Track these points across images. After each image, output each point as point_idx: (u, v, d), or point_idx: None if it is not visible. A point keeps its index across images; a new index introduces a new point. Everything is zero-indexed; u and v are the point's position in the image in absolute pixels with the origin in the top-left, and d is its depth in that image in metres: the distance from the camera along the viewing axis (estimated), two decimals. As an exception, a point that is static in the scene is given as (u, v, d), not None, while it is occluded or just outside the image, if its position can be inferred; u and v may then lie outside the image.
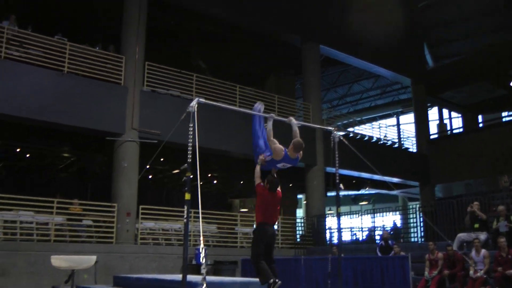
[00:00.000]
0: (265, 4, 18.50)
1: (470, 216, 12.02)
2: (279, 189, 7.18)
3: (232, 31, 19.84)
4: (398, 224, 19.41)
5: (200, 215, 6.15)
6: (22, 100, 12.43)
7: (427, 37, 27.18)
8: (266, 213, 6.97)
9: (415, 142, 24.64)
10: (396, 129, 31.78)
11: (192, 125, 6.58)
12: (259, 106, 7.48)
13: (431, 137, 25.80)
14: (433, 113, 30.72)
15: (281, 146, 6.86)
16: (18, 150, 18.64)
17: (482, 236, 11.42)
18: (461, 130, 30.37)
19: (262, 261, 6.72)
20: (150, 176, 22.17)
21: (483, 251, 10.51)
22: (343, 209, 13.58)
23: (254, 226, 7.27)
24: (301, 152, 6.95)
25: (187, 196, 6.40)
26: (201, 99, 6.86)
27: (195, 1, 17.13)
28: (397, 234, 17.81)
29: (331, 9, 20.48)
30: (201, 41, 21.12)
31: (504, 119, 28.49)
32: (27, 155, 19.47)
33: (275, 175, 7.14)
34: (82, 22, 18.32)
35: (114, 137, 14.09)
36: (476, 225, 11.80)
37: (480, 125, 30.01)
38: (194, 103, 6.64)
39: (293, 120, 7.29)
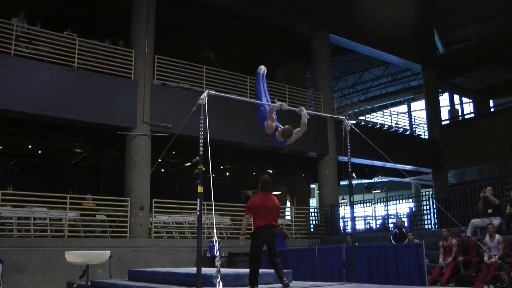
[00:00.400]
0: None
1: (483, 202, 11.96)
2: (274, 197, 7.22)
3: (241, 22, 19.79)
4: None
5: (213, 208, 6.17)
6: (32, 97, 12.48)
7: (437, 22, 26.94)
8: (260, 215, 6.91)
9: (427, 128, 24.47)
10: (407, 116, 31.60)
11: (203, 117, 6.59)
12: (263, 67, 7.66)
13: (443, 123, 25.65)
14: (444, 99, 30.52)
15: (273, 125, 7.04)
16: (30, 146, 18.76)
17: (496, 221, 11.36)
18: (472, 115, 30.15)
19: (257, 264, 6.91)
20: (162, 170, 22.24)
21: (497, 236, 10.46)
22: (356, 197, 13.51)
23: None
24: (291, 139, 7.11)
25: (200, 189, 6.42)
26: (211, 91, 6.87)
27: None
28: (414, 220, 17.74)
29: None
30: (211, 32, 21.07)
31: (515, 103, 28.24)
32: (39, 152, 19.59)
33: (267, 175, 7.29)
34: (91, 17, 18.36)
35: (125, 131, 14.12)
36: (490, 211, 11.74)
37: (492, 109, 29.78)
38: (204, 95, 6.64)
39: (304, 111, 7.28)
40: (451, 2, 26.19)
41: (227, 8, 18.12)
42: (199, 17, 19.58)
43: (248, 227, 7.45)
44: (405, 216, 18.26)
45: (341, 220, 17.95)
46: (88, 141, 18.05)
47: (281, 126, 7.13)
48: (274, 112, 7.12)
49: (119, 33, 16.02)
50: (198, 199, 6.38)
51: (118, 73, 14.17)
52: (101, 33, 15.69)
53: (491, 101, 30.47)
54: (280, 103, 7.20)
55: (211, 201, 6.04)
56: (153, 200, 14.26)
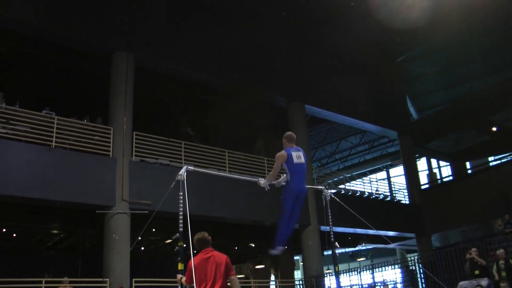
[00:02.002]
0: (249, 68, 18.80)
1: (469, 263, 11.93)
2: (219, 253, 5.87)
3: (219, 96, 20.07)
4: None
5: (195, 285, 5.98)
6: (8, 178, 12.23)
7: (408, 89, 27.72)
8: (204, 279, 5.60)
9: (407, 193, 24.58)
10: (387, 182, 31.81)
11: (182, 193, 6.53)
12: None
13: (423, 187, 25.79)
14: (422, 164, 30.88)
15: (280, 155, 6.98)
16: (4, 230, 18.23)
17: (484, 282, 11.31)
18: (451, 178, 30.50)
19: None
20: (142, 248, 21.76)
21: (486, 298, 10.35)
22: (341, 267, 13.35)
23: None
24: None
25: (180, 266, 6.29)
26: (189, 167, 6.85)
27: (181, 68, 17.39)
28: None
29: (314, 69, 20.82)
30: (188, 107, 21.30)
31: (491, 163, 28.71)
32: (14, 235, 19.03)
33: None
34: (70, 94, 18.45)
35: (104, 210, 13.88)
36: (477, 272, 11.72)
37: (469, 171, 30.20)
38: (183, 171, 6.62)
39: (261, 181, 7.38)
40: (419, 70, 27.13)
41: (203, 82, 18.44)
42: (176, 92, 19.82)
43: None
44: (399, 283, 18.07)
45: (327, 291, 17.62)
46: (65, 221, 17.64)
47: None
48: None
49: (97, 110, 16.08)
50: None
51: (97, 151, 14.10)
52: (80, 111, 15.73)
53: (468, 163, 30.94)
54: (258, 179, 7.28)
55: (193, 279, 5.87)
56: (133, 279, 13.85)
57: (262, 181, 7.28)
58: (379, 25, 20.47)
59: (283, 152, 6.95)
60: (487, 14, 20.64)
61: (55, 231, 19.15)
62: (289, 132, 7.22)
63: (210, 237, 5.98)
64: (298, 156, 7.01)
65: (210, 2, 18.04)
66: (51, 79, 17.87)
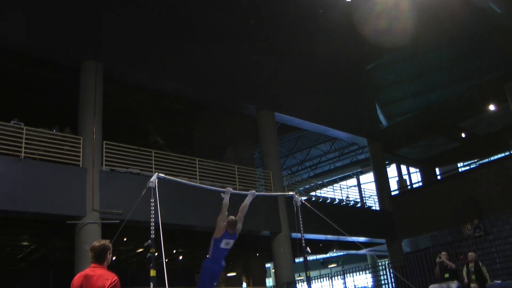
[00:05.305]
0: (218, 77, 18.87)
1: (439, 267, 12.17)
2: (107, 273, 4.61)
3: (188, 105, 20.05)
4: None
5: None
6: (-24, 191, 12.06)
7: (378, 97, 28.14)
8: None
9: (377, 200, 24.87)
10: (357, 189, 32.13)
11: (153, 200, 6.56)
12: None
13: (393, 193, 26.15)
14: (392, 170, 31.34)
15: (224, 225, 7.25)
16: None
17: (453, 285, 11.56)
18: (420, 184, 30.98)
19: None
20: (114, 258, 21.57)
21: (456, 300, 10.57)
22: (312, 273, 13.41)
23: None
24: (238, 227, 7.41)
25: (152, 273, 6.29)
26: (160, 174, 6.88)
27: (151, 77, 17.36)
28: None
29: (283, 78, 20.99)
30: (158, 116, 21.25)
31: (460, 170, 29.29)
32: (-17, 248, 18.73)
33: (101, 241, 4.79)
34: (38, 104, 18.24)
35: (75, 220, 13.72)
36: (446, 275, 11.95)
37: (438, 177, 30.72)
38: (154, 178, 6.66)
39: (249, 195, 7.53)
40: (388, 78, 27.58)
41: (173, 92, 18.42)
42: (146, 101, 19.78)
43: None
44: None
45: (299, 297, 17.69)
46: (36, 233, 17.43)
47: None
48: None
49: (67, 119, 15.90)
50: (152, 283, 6.23)
51: (66, 161, 13.93)
52: (49, 121, 15.52)
53: (437, 170, 31.50)
54: (227, 189, 7.43)
55: (165, 287, 5.91)
56: (105, 290, 13.68)
57: (229, 190, 7.43)
58: (348, 33, 20.79)
59: (221, 231, 7.30)
60: (453, 26, 21.15)
61: (25, 243, 18.89)
62: (231, 218, 7.37)
63: (108, 252, 4.70)
64: (227, 243, 7.40)
65: (180, 14, 18.08)
66: (19, 89, 17.67)
